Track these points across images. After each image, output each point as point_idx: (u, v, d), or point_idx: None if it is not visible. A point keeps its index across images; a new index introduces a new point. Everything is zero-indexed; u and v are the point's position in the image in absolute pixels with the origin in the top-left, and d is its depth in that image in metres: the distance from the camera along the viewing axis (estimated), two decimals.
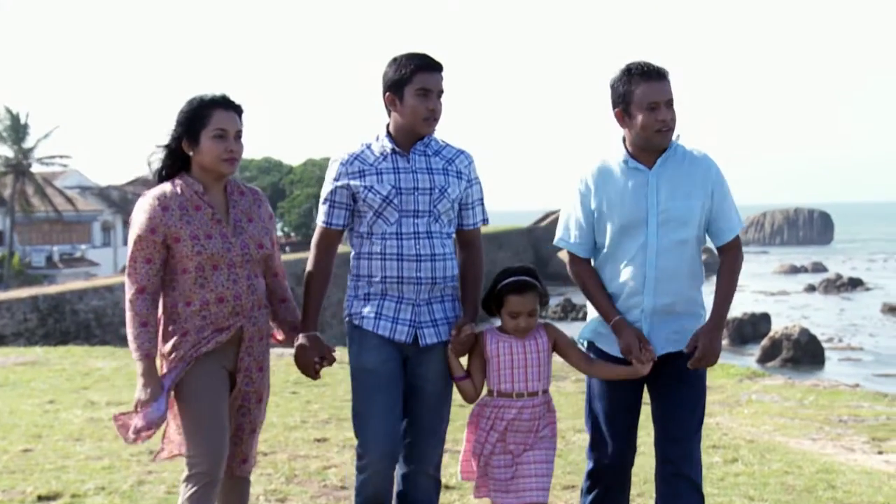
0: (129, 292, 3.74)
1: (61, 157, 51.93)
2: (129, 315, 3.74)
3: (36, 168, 51.25)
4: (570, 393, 8.68)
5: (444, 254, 3.90)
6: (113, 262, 53.24)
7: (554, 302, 48.08)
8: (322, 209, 3.97)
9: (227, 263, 3.78)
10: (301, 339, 3.92)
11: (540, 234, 69.44)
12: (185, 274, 3.75)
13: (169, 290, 3.80)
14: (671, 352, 3.86)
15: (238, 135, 3.82)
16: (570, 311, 44.40)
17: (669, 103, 3.81)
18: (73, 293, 28.73)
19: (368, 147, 3.95)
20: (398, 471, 3.97)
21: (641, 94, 3.78)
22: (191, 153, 3.81)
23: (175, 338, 3.77)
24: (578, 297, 48.92)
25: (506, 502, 3.91)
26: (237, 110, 3.84)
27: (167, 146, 3.85)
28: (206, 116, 3.77)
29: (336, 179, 3.92)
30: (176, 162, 3.85)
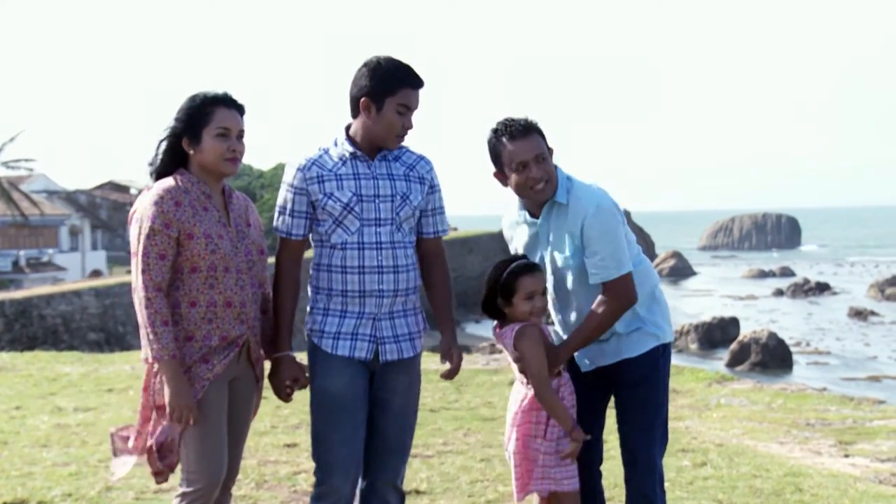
0: (144, 290, 3.50)
1: (27, 160, 51.44)
2: (146, 314, 3.50)
3: (1, 172, 50.68)
4: None
5: (406, 265, 3.75)
6: (81, 267, 52.73)
7: None
8: (281, 219, 3.78)
9: (236, 268, 3.64)
10: (274, 359, 3.79)
11: None
12: (194, 273, 3.58)
13: (171, 289, 3.59)
14: (613, 362, 3.90)
15: (241, 134, 3.67)
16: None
17: (538, 159, 3.77)
18: (41, 298, 28.45)
19: (326, 151, 3.76)
20: (360, 485, 3.83)
21: (509, 156, 3.80)
22: (191, 151, 3.65)
23: (178, 343, 3.56)
24: None
25: (567, 488, 3.85)
26: (240, 109, 3.69)
27: (166, 142, 3.68)
28: (208, 114, 3.61)
29: (293, 185, 3.73)
30: (174, 159, 3.68)
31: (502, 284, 3.81)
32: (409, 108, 3.70)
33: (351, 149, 3.72)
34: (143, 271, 3.52)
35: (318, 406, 3.76)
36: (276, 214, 3.79)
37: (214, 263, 3.59)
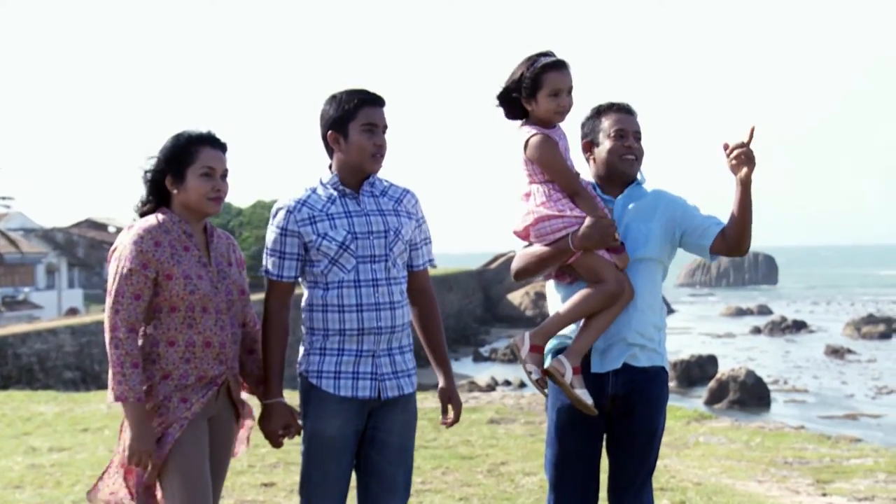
0: (115, 330, 3.48)
1: (4, 198, 51.10)
2: (116, 354, 3.47)
3: None
4: (518, 436, 8.68)
5: (401, 301, 3.75)
6: (57, 305, 52.34)
7: (503, 344, 48.10)
8: (271, 261, 3.73)
9: (215, 308, 3.63)
10: (265, 406, 3.73)
11: (490, 276, 69.54)
12: (173, 312, 3.57)
13: (149, 328, 3.59)
14: (624, 404, 3.81)
15: (224, 174, 3.68)
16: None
17: (636, 135, 3.90)
18: (16, 336, 28.12)
19: (314, 191, 3.76)
20: None
21: (611, 124, 3.89)
22: (174, 191, 3.65)
23: (154, 380, 3.55)
24: None
25: None
26: (223, 148, 3.70)
27: (148, 181, 3.67)
28: (193, 153, 3.62)
29: (284, 228, 3.70)
30: (156, 197, 3.68)
31: (527, 79, 3.69)
32: (374, 125, 3.68)
33: (340, 186, 3.72)
34: (117, 311, 3.50)
35: (310, 446, 3.71)
36: (265, 257, 3.76)
37: (193, 304, 3.58)
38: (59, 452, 8.18)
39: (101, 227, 65.88)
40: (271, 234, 3.74)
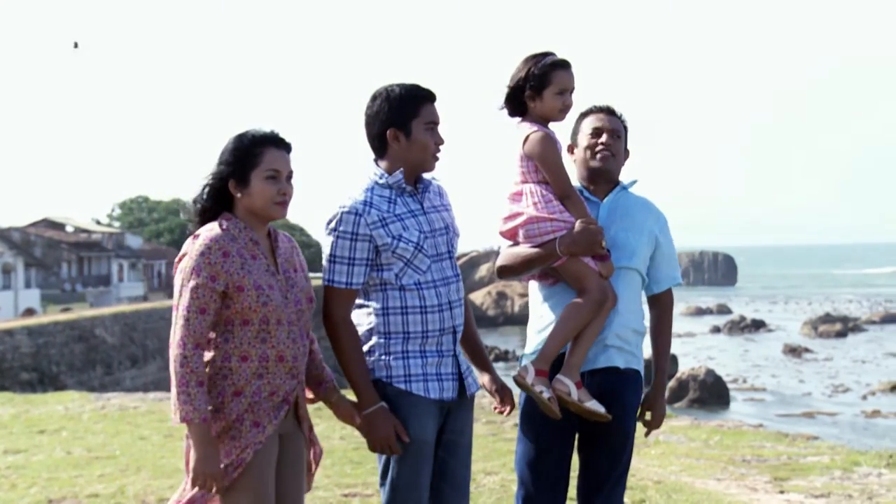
0: (181, 347, 3.28)
1: None
2: (180, 372, 3.26)
3: None
4: (480, 435, 8.68)
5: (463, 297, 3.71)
6: (13, 306, 51.65)
7: None
8: (338, 269, 3.51)
9: (287, 320, 3.42)
10: (368, 414, 3.51)
11: None
12: (245, 326, 3.37)
13: (220, 342, 3.38)
14: (622, 366, 3.87)
15: (290, 175, 3.46)
16: (489, 354, 44.33)
17: (613, 133, 3.90)
18: None
19: (372, 191, 3.56)
20: None
21: (588, 122, 3.93)
22: (238, 195, 3.43)
23: (225, 397, 3.36)
24: (495, 341, 49.20)
25: None
26: (287, 148, 3.47)
27: (211, 185, 3.46)
28: (257, 155, 3.40)
29: (354, 233, 3.49)
30: (218, 203, 3.46)
31: (535, 75, 3.69)
32: (435, 122, 3.58)
33: (403, 185, 3.57)
34: (183, 326, 3.31)
35: (406, 454, 3.54)
36: (328, 265, 3.54)
37: (266, 316, 3.38)
38: (15, 455, 8.07)
39: (59, 226, 65.08)
40: (337, 240, 3.52)
